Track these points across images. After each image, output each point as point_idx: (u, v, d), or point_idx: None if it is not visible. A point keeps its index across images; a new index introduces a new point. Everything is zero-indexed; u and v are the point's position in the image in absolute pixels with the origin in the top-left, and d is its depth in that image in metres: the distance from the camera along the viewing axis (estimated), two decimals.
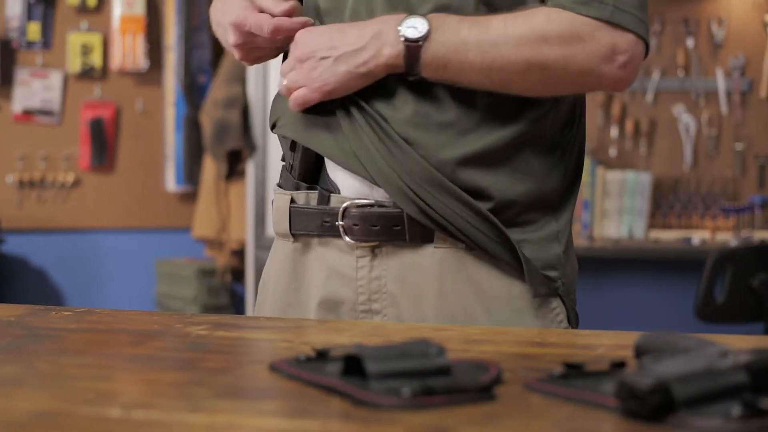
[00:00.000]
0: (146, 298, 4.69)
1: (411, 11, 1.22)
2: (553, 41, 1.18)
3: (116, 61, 4.58)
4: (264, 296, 1.40)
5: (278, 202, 1.34)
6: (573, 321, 1.31)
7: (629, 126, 4.51)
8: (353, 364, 0.85)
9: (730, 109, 4.48)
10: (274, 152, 4.23)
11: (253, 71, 4.24)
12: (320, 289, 1.29)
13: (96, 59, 4.59)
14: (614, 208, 4.38)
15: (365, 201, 1.25)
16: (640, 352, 0.90)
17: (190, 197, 4.75)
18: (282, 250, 1.34)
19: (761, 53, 4.42)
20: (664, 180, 4.52)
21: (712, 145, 4.51)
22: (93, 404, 0.77)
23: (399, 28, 1.19)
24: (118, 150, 4.70)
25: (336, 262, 1.29)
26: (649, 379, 0.74)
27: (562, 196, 1.30)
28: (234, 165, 4.44)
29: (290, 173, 1.33)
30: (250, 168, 4.28)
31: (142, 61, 4.59)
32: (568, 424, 0.73)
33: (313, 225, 1.29)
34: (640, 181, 4.40)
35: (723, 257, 3.43)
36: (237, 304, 4.67)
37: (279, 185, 1.37)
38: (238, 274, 4.61)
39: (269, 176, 4.23)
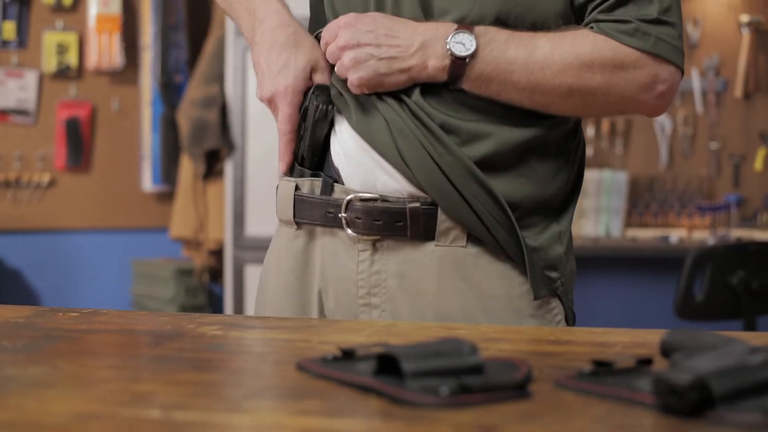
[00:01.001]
0: (122, 298, 4.65)
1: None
2: (597, 68, 1.21)
3: (92, 60, 4.54)
4: (266, 283, 1.40)
5: (283, 188, 1.34)
6: (570, 320, 1.32)
7: (605, 125, 4.55)
8: (385, 363, 0.85)
9: (705, 108, 4.53)
10: (252, 151, 4.22)
11: (231, 71, 4.23)
12: (321, 278, 1.30)
13: (72, 58, 4.55)
14: (591, 206, 4.41)
15: (369, 195, 1.25)
16: (666, 349, 0.91)
17: (166, 197, 4.72)
18: (285, 236, 1.35)
19: (736, 53, 4.47)
20: (640, 179, 4.56)
21: (688, 144, 4.55)
22: (130, 405, 0.77)
23: (447, 41, 1.19)
24: (94, 150, 4.66)
25: (338, 254, 1.29)
26: (688, 375, 0.75)
27: (564, 199, 1.31)
28: (212, 164, 4.42)
29: (296, 160, 1.33)
30: (228, 167, 4.26)
31: (118, 61, 4.56)
32: (608, 420, 0.74)
33: (317, 214, 1.30)
34: (616, 180, 4.43)
35: (702, 255, 3.47)
36: (215, 304, 4.65)
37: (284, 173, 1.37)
38: (216, 274, 4.59)
39: (248, 176, 4.22)
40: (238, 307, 4.26)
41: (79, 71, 4.58)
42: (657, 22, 1.20)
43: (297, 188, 1.31)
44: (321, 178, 1.30)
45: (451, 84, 1.22)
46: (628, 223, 4.45)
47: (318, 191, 1.30)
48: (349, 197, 1.26)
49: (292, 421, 0.72)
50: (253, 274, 4.26)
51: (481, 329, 1.16)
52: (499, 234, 1.24)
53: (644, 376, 0.85)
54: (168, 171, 4.63)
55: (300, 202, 1.31)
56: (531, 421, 0.73)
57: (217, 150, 4.33)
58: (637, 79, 1.21)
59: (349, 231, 1.26)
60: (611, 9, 1.22)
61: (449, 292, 1.25)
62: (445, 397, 0.78)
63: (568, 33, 1.22)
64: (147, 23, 4.61)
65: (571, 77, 1.20)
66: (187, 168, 4.47)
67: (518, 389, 0.81)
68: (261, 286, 1.41)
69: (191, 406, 0.77)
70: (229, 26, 4.21)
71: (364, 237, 1.26)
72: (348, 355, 0.93)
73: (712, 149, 4.53)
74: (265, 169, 4.20)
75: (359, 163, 1.26)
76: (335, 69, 1.25)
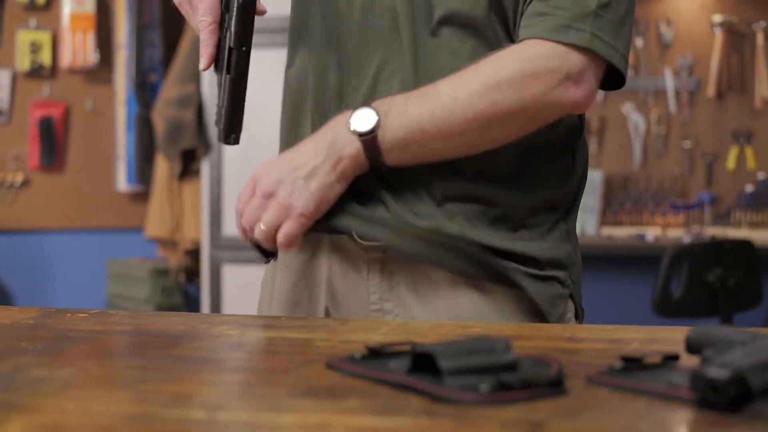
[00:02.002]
0: (97, 298, 4.62)
1: (426, 19, 1.22)
2: (505, 86, 1.17)
3: (66, 59, 4.51)
4: (269, 292, 1.39)
5: None
6: (579, 318, 1.33)
7: None
8: (419, 361, 0.85)
9: (678, 107, 4.58)
10: (229, 151, 4.20)
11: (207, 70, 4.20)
12: (331, 287, 1.29)
13: (45, 57, 4.51)
14: None
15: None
16: (692, 345, 0.92)
17: (141, 197, 4.69)
18: None
19: (708, 53, 4.52)
20: (614, 177, 4.59)
21: (661, 143, 4.60)
22: (173, 406, 0.77)
23: (348, 124, 1.18)
24: (67, 149, 4.63)
25: (348, 261, 1.29)
26: (726, 370, 0.76)
27: (568, 198, 1.32)
28: (187, 164, 4.40)
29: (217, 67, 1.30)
30: (205, 167, 4.24)
31: (92, 60, 4.52)
32: (650, 416, 0.75)
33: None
34: (591, 178, 4.46)
35: (679, 253, 3.51)
36: (191, 305, 4.63)
37: None
38: (191, 274, 4.57)
39: (225, 175, 4.20)
40: (215, 307, 4.24)
41: (53, 70, 4.55)
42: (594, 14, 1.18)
43: None
44: None
45: (374, 165, 1.19)
46: (603, 222, 4.49)
47: None
48: None
49: (338, 420, 0.73)
50: (230, 273, 4.25)
51: (495, 327, 1.17)
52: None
53: (674, 371, 0.86)
54: (143, 171, 4.61)
55: None
56: (575, 417, 0.74)
57: (193, 149, 4.31)
58: (549, 79, 1.17)
59: (359, 239, 1.26)
60: None
61: (462, 296, 1.26)
62: (486, 394, 0.78)
63: (470, 67, 1.19)
64: (121, 22, 4.58)
65: (482, 106, 1.16)
66: (163, 167, 4.45)
67: (555, 386, 0.81)
68: (264, 296, 1.40)
69: (233, 406, 0.77)
70: None
71: (375, 243, 1.26)
72: (376, 353, 0.93)
73: (686, 148, 4.58)
74: (242, 169, 4.18)
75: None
76: (265, 223, 1.19)
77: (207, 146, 4.22)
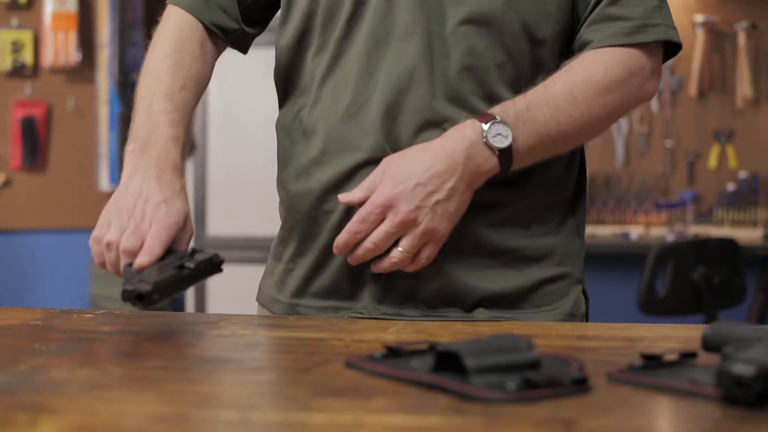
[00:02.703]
0: (80, 299, 4.60)
1: (442, 19, 1.22)
2: (614, 87, 1.24)
3: (48, 58, 4.48)
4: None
5: None
6: (587, 309, 1.35)
7: None
8: (442, 360, 0.86)
9: (661, 107, 4.61)
10: (213, 151, 4.19)
11: None
12: None
13: (27, 57, 4.48)
14: None
15: None
16: (708, 343, 0.93)
17: None
18: None
19: (690, 53, 4.55)
20: (597, 176, 4.62)
21: (643, 142, 4.62)
22: (202, 407, 0.77)
23: (485, 140, 1.16)
24: (50, 149, 4.60)
25: None
26: (752, 366, 0.77)
27: (574, 191, 1.33)
28: None
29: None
30: (189, 167, 4.23)
31: (74, 59, 4.49)
32: (679, 412, 0.76)
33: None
34: None
35: (664, 251, 3.53)
36: (176, 304, 4.61)
37: None
38: None
39: (209, 175, 4.19)
40: (200, 307, 4.23)
41: (35, 69, 4.52)
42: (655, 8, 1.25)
43: None
44: None
45: (504, 173, 1.20)
46: (587, 220, 4.51)
47: None
48: None
49: (370, 420, 0.73)
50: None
51: (505, 326, 1.17)
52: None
53: (694, 369, 0.87)
54: None
55: None
56: (604, 414, 0.75)
57: None
58: (642, 80, 1.25)
59: None
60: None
61: None
62: (513, 392, 0.79)
63: (574, 66, 1.23)
64: (104, 21, 4.55)
65: (598, 108, 1.23)
66: None
67: (580, 384, 0.82)
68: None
69: (262, 406, 0.77)
70: None
71: None
72: (395, 352, 0.93)
73: (667, 147, 4.61)
74: (226, 169, 4.18)
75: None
76: (406, 249, 1.17)
77: (191, 146, 4.21)
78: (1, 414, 0.74)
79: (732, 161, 4.54)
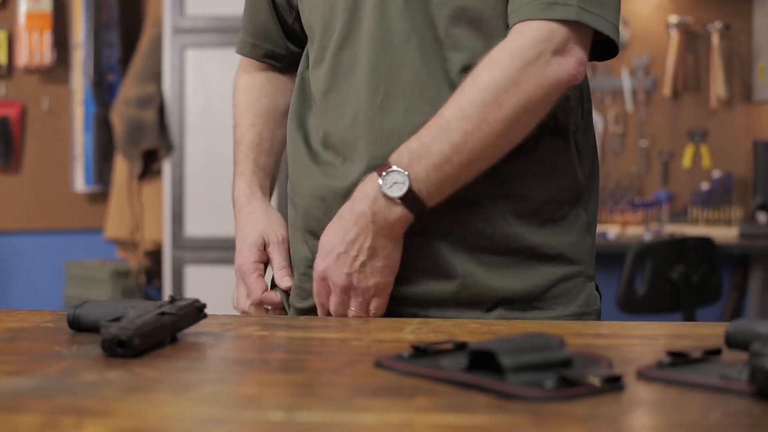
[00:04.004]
0: (55, 300, 4.56)
1: (430, 17, 1.24)
2: (504, 87, 1.17)
3: (22, 58, 4.44)
4: None
5: None
6: (600, 302, 1.37)
7: None
8: (475, 359, 0.87)
9: (635, 107, 4.65)
10: (191, 151, 4.17)
11: (168, 69, 4.18)
12: None
13: (1, 56, 4.44)
14: None
15: None
16: (732, 340, 0.94)
17: (99, 198, 4.64)
18: None
19: (664, 53, 4.60)
20: None
21: (618, 142, 4.66)
22: (247, 408, 0.77)
23: (383, 192, 1.18)
24: (24, 150, 4.56)
25: None
26: None
27: (585, 187, 1.34)
28: (147, 164, 4.36)
29: None
30: (166, 167, 4.21)
31: (48, 59, 4.46)
32: (719, 408, 0.77)
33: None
34: None
35: (643, 251, 3.57)
36: None
37: None
38: (152, 276, 4.53)
39: (187, 175, 4.17)
40: None
41: (9, 69, 4.47)
42: None
43: None
44: None
45: (419, 217, 1.20)
46: None
47: None
48: None
49: (418, 419, 0.73)
50: (192, 274, 4.22)
51: (519, 325, 1.18)
52: None
53: (721, 365, 0.89)
54: (101, 171, 4.56)
55: None
56: (647, 411, 0.76)
57: (154, 150, 4.27)
58: (542, 61, 1.18)
59: None
60: None
61: None
62: (551, 390, 0.80)
63: (467, 78, 1.20)
64: (79, 21, 4.52)
65: (492, 112, 1.17)
66: (121, 168, 4.41)
67: (614, 381, 0.83)
68: None
69: (306, 406, 0.77)
70: (166, 25, 4.16)
71: None
72: (423, 352, 0.94)
73: (642, 147, 4.65)
74: (204, 169, 4.16)
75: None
76: (357, 310, 1.25)
77: (169, 146, 4.19)
78: (45, 417, 0.74)
79: (706, 161, 4.59)
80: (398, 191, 1.18)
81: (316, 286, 1.26)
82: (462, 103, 1.18)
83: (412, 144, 1.19)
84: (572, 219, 1.31)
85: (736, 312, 4.47)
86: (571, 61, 1.19)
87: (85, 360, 0.96)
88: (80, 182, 4.62)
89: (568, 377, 0.81)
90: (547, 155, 1.28)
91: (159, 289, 4.50)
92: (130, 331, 0.95)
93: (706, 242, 3.69)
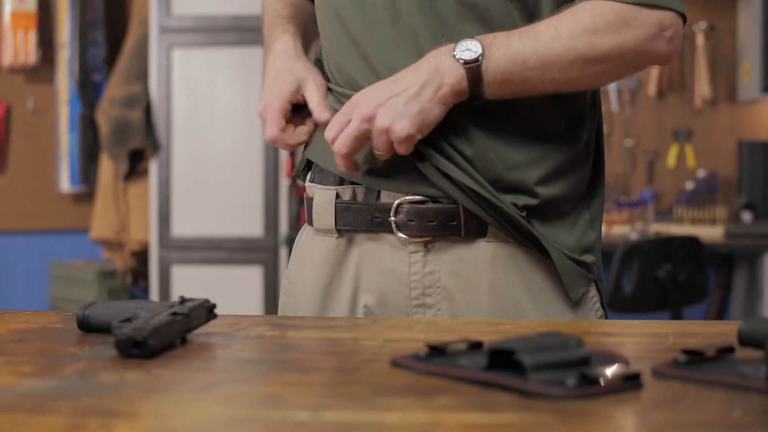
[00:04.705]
0: (40, 301, 4.54)
1: (436, 9, 1.25)
2: (603, 32, 1.22)
3: (7, 58, 4.41)
4: (296, 294, 1.39)
5: (321, 197, 1.34)
6: (604, 306, 1.37)
7: None
8: (494, 358, 0.87)
9: (620, 106, 4.67)
10: (178, 150, 4.16)
11: (155, 69, 4.16)
12: (369, 284, 1.31)
13: None
14: None
15: (418, 197, 1.27)
16: (746, 338, 0.95)
17: (85, 198, 4.62)
18: (324, 246, 1.34)
19: None
20: None
21: (604, 141, 4.68)
22: (271, 407, 0.77)
23: (454, 53, 1.21)
24: (9, 150, 4.53)
25: (386, 258, 1.30)
26: None
27: (590, 184, 1.35)
28: (134, 164, 4.35)
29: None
30: (153, 167, 4.20)
31: (33, 58, 4.43)
32: (741, 405, 0.78)
33: (361, 220, 1.30)
34: None
35: (630, 250, 3.59)
36: None
37: (312, 181, 1.37)
38: (138, 276, 4.51)
39: (174, 175, 4.16)
40: None
41: None
42: None
43: (338, 196, 1.32)
44: (362, 185, 1.31)
45: (474, 95, 1.22)
46: None
47: (360, 197, 1.31)
48: (398, 201, 1.28)
49: (446, 418, 0.74)
50: (179, 274, 4.21)
51: (526, 324, 1.19)
52: (529, 236, 1.27)
53: (736, 363, 0.90)
54: (86, 171, 4.53)
55: (342, 210, 1.31)
56: (669, 409, 0.77)
57: (141, 149, 4.26)
58: (645, 32, 1.23)
59: (401, 234, 1.28)
60: None
61: (503, 287, 1.28)
62: (573, 388, 0.81)
63: (565, 11, 1.24)
64: (64, 20, 4.50)
65: (582, 46, 1.22)
66: (107, 168, 4.39)
67: (633, 379, 0.84)
68: (291, 300, 1.40)
69: (331, 406, 0.78)
70: (152, 24, 4.15)
71: (417, 239, 1.28)
72: (439, 351, 0.95)
73: (627, 146, 4.68)
74: (191, 169, 4.15)
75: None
76: (378, 149, 1.23)
77: (155, 146, 4.18)
78: (71, 419, 0.74)
79: (690, 160, 4.62)
80: (467, 56, 1.20)
81: (345, 108, 1.24)
82: (557, 25, 1.22)
83: (500, 35, 1.22)
84: (575, 216, 1.32)
85: (721, 311, 4.51)
86: (673, 48, 1.25)
87: (100, 361, 0.96)
88: (65, 182, 4.59)
89: (588, 376, 0.82)
90: (560, 152, 1.29)
91: (145, 290, 4.48)
92: (145, 331, 0.95)
93: (692, 241, 3.72)
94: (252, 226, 4.11)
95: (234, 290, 4.14)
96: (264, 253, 4.12)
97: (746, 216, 4.37)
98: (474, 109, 1.25)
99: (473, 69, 1.20)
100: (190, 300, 1.10)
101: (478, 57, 1.20)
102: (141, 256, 4.45)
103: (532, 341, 0.87)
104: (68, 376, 0.88)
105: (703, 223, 4.36)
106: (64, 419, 0.74)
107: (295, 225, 4.21)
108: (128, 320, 1.03)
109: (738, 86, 4.57)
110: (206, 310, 1.10)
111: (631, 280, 3.57)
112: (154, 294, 4.21)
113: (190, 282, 4.20)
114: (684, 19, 1.27)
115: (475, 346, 0.97)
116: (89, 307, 1.12)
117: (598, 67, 1.24)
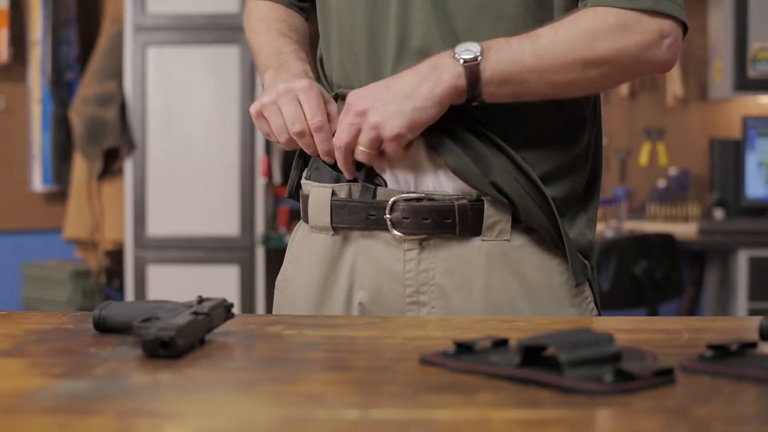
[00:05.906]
0: (12, 302, 4.49)
1: (449, 12, 1.26)
2: (603, 36, 1.23)
3: None
4: (291, 291, 1.40)
5: (317, 195, 1.34)
6: (598, 306, 1.39)
7: None
8: (528, 355, 0.88)
9: None
10: (153, 150, 4.14)
11: (129, 67, 4.13)
12: (364, 281, 1.32)
13: None
14: None
15: (414, 195, 1.28)
16: (767, 332, 0.97)
17: (57, 197, 4.58)
18: (319, 243, 1.35)
19: None
20: None
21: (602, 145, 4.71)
22: (318, 407, 0.78)
23: (454, 53, 1.22)
24: None
25: (381, 255, 1.31)
26: None
27: (587, 186, 1.37)
28: (108, 163, 4.31)
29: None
30: (128, 166, 4.17)
31: (5, 57, 4.38)
32: None
33: (356, 218, 1.31)
34: None
35: (607, 247, 3.63)
36: None
37: (308, 178, 1.38)
38: (112, 276, 4.48)
39: (149, 174, 4.14)
40: None
41: None
42: None
43: (333, 194, 1.32)
44: (358, 183, 1.31)
45: (471, 94, 1.22)
46: None
47: (356, 195, 1.32)
48: (393, 198, 1.28)
49: (493, 415, 0.75)
50: (155, 274, 4.18)
51: (536, 321, 1.20)
52: (542, 224, 1.29)
53: (761, 357, 0.91)
54: (59, 170, 4.49)
55: (339, 207, 1.32)
56: (707, 403, 0.78)
57: (115, 148, 4.23)
58: (645, 38, 1.24)
59: (396, 232, 1.29)
60: None
61: (497, 285, 1.30)
62: (610, 384, 0.82)
63: (567, 17, 1.26)
64: (36, 18, 4.45)
65: (581, 49, 1.23)
66: (80, 167, 4.35)
67: (666, 374, 0.85)
68: (286, 297, 1.41)
69: (376, 404, 0.78)
70: (127, 22, 4.12)
71: (412, 236, 1.29)
72: (467, 348, 0.95)
73: None
74: (166, 168, 4.13)
75: (400, 165, 1.29)
76: (362, 144, 1.23)
77: (131, 145, 4.15)
78: (119, 420, 0.74)
79: (662, 158, 4.66)
80: (466, 54, 1.21)
81: (345, 106, 1.25)
82: (557, 29, 1.23)
83: (500, 39, 1.24)
84: (572, 216, 1.34)
85: (693, 307, 4.56)
86: (671, 55, 1.26)
87: (128, 361, 0.95)
88: (38, 182, 4.55)
89: (624, 371, 0.83)
90: (561, 154, 1.31)
91: (119, 290, 4.45)
92: (172, 331, 0.95)
93: (667, 239, 3.76)
94: (228, 226, 4.09)
95: (210, 290, 4.11)
96: (240, 252, 4.11)
97: (718, 213, 4.42)
98: (481, 109, 1.26)
99: (472, 67, 1.21)
100: (208, 299, 1.10)
101: (477, 56, 1.21)
102: (115, 255, 4.41)
103: (565, 337, 0.88)
104: (102, 378, 0.88)
105: (675, 221, 4.41)
106: (112, 421, 0.74)
107: (272, 224, 4.20)
108: (148, 320, 1.03)
109: (709, 85, 4.62)
110: (225, 310, 1.10)
111: (609, 277, 3.61)
112: (130, 294, 4.19)
113: (165, 282, 4.18)
114: (685, 28, 1.28)
115: (501, 343, 0.97)
116: (105, 308, 1.12)
117: (596, 70, 1.24)
